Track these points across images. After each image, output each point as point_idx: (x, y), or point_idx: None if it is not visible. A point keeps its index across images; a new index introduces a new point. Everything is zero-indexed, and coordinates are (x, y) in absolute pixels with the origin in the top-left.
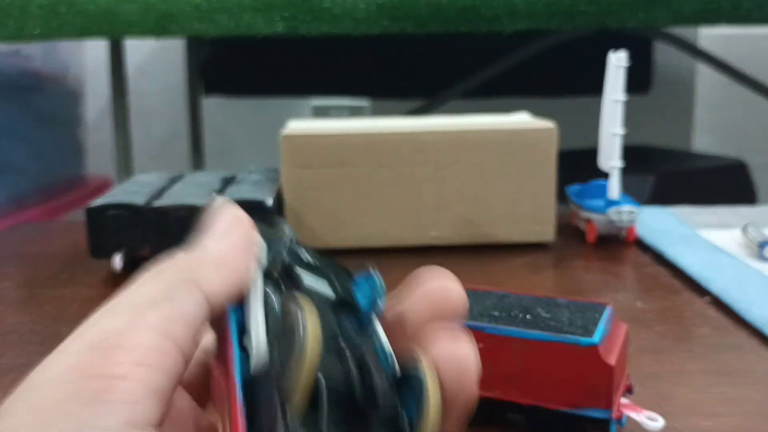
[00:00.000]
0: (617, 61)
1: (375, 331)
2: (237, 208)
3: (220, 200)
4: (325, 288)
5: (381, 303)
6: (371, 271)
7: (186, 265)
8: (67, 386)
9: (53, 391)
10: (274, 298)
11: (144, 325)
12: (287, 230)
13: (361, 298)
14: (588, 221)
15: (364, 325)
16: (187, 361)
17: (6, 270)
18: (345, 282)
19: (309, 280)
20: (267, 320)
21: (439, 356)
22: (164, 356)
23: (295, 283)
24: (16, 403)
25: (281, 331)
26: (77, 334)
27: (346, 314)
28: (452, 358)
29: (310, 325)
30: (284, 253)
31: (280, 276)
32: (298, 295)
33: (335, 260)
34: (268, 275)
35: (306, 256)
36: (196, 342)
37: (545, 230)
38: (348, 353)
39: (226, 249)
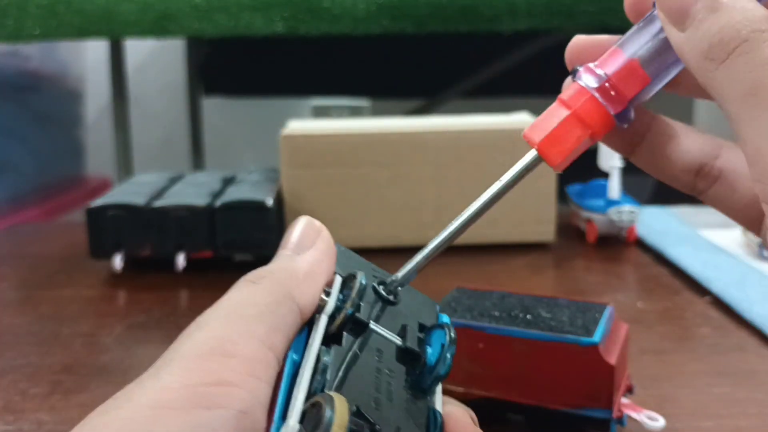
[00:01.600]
0: None
1: (433, 391)
2: (314, 220)
3: (302, 218)
4: (394, 337)
5: (450, 356)
6: (445, 322)
7: (282, 277)
8: (187, 389)
9: (172, 392)
10: (327, 359)
11: (252, 335)
12: (364, 268)
13: (432, 349)
14: (588, 221)
15: (425, 380)
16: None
17: (4, 270)
18: (424, 322)
19: (378, 323)
20: (312, 383)
21: None
22: (268, 369)
23: (360, 329)
24: (134, 396)
25: (313, 414)
26: (189, 336)
27: (409, 364)
28: None
29: (337, 422)
30: (351, 298)
31: (345, 322)
32: (332, 393)
33: (421, 295)
34: (332, 319)
35: (386, 292)
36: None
37: (546, 230)
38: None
39: (312, 262)
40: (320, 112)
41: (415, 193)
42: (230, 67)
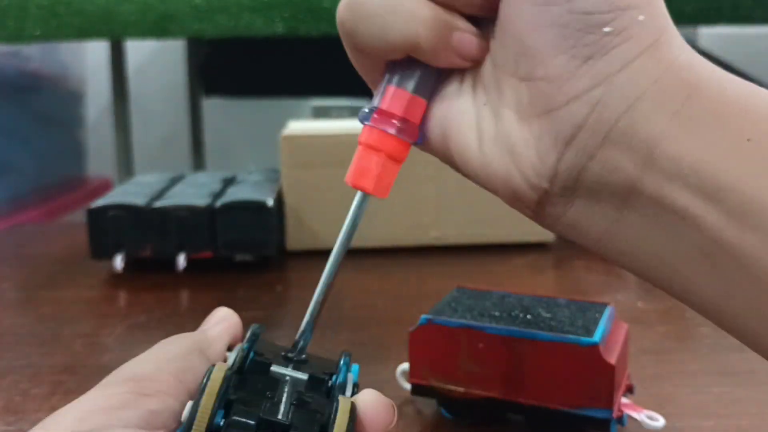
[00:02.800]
0: None
1: (338, 400)
2: (227, 309)
3: (220, 309)
4: (300, 374)
5: (348, 382)
6: (342, 360)
7: (194, 338)
8: (106, 397)
9: (96, 401)
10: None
11: (164, 370)
12: (257, 329)
13: (336, 378)
14: None
15: (332, 397)
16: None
17: (5, 271)
18: (326, 369)
19: (280, 368)
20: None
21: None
22: (178, 392)
23: (261, 369)
24: (61, 412)
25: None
26: (115, 373)
27: (316, 389)
28: (369, 395)
29: (213, 377)
30: (246, 339)
31: (244, 360)
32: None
33: (326, 359)
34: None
35: (296, 356)
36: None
37: (546, 230)
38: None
39: (219, 330)
40: (320, 113)
41: (415, 193)
42: (230, 68)
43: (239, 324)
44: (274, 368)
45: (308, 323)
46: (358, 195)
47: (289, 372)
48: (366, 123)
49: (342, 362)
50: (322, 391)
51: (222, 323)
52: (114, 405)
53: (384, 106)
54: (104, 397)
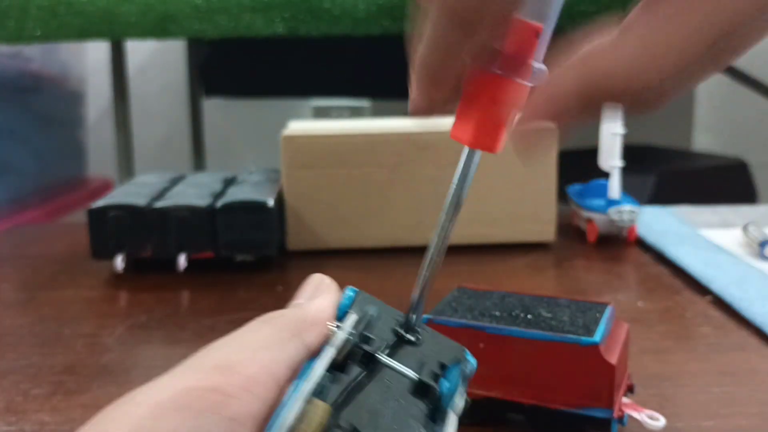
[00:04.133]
0: None
1: (445, 421)
2: (325, 277)
3: (315, 275)
4: (407, 370)
5: (462, 393)
6: (465, 357)
7: (292, 319)
8: (186, 392)
9: (172, 392)
10: (327, 383)
11: (257, 361)
12: (373, 310)
13: (449, 383)
14: (589, 221)
15: (439, 411)
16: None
17: (6, 271)
18: (442, 362)
19: (396, 360)
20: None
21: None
22: (267, 390)
23: (370, 361)
24: (137, 397)
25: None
26: (199, 355)
27: (422, 397)
28: None
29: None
30: (356, 329)
31: (351, 352)
32: (317, 401)
33: (451, 342)
34: (341, 351)
35: (408, 333)
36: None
37: (546, 230)
38: None
39: (319, 307)
40: (321, 113)
41: (415, 193)
42: (231, 68)
43: (339, 295)
44: (379, 356)
45: (420, 296)
46: (469, 152)
47: (395, 365)
48: (492, 70)
49: (452, 369)
50: (426, 397)
51: (322, 297)
52: (194, 405)
53: (510, 48)
54: (185, 390)
